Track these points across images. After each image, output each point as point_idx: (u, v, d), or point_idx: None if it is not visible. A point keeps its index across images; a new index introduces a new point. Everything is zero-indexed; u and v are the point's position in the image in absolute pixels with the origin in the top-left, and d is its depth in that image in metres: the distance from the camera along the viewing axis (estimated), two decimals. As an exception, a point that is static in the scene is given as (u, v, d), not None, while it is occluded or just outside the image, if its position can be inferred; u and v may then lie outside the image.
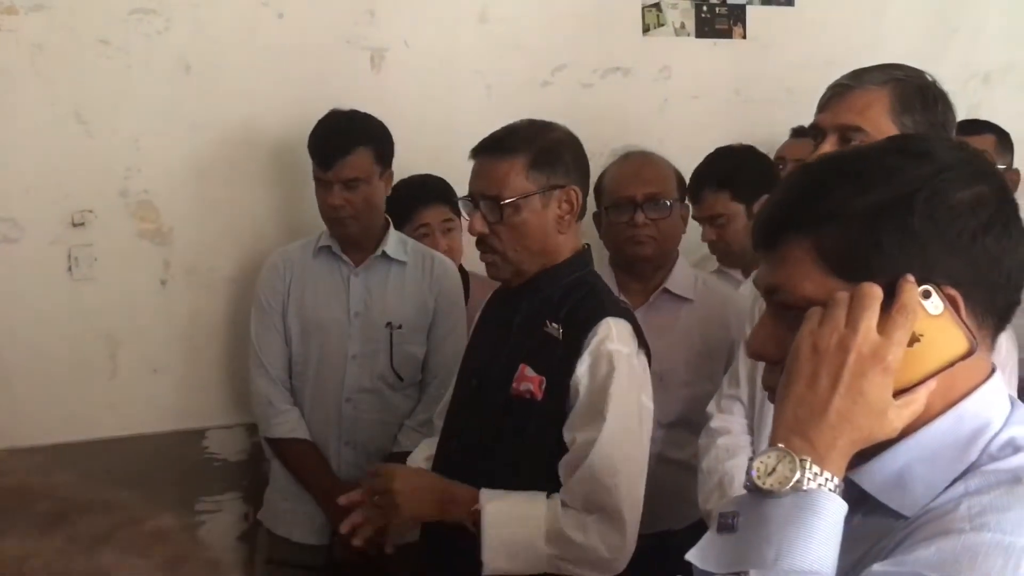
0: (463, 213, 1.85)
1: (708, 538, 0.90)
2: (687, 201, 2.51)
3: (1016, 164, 3.35)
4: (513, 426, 1.76)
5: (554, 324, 1.75)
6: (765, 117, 3.09)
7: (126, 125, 2.58)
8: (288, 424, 2.52)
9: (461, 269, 2.65)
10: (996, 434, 0.90)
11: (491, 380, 1.82)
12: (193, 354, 2.70)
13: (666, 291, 2.31)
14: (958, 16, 3.43)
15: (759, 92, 3.16)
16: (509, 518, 1.70)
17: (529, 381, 1.74)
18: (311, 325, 2.54)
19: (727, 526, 0.87)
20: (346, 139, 2.42)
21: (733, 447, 1.81)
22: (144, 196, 2.62)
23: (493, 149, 1.81)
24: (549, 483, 1.74)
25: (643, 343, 1.79)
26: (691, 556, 0.89)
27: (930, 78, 1.67)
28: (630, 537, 1.70)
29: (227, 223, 2.69)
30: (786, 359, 0.92)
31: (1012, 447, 0.89)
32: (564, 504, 1.70)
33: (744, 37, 3.18)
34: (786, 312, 0.94)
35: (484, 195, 1.78)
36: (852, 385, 0.87)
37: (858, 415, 0.87)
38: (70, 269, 2.56)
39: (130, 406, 2.65)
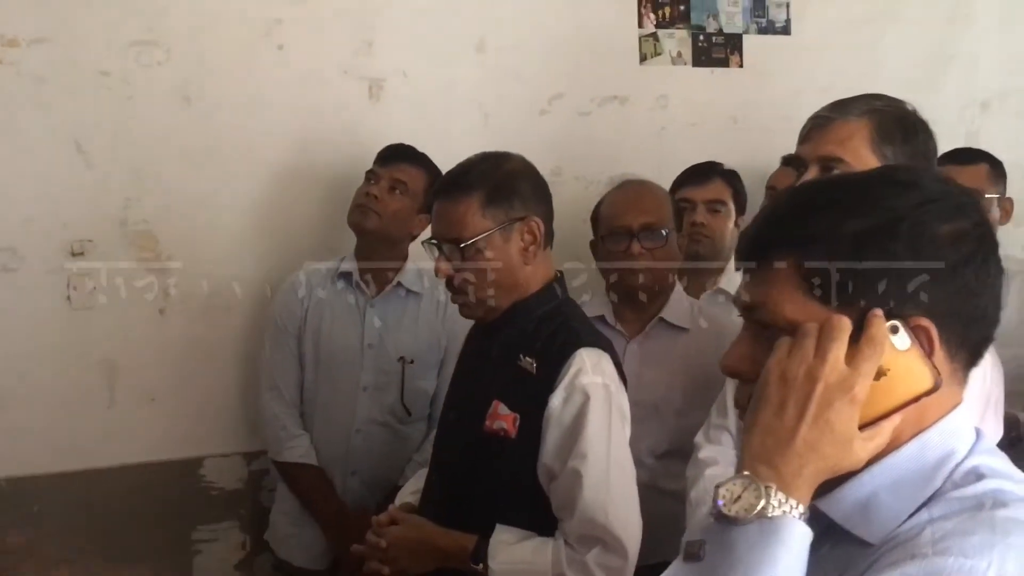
0: (429, 256, 1.84)
1: (675, 567, 0.90)
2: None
3: (1017, 190, 3.37)
4: (487, 463, 1.75)
5: (528, 358, 1.73)
6: (762, 145, 3.10)
7: (126, 155, 2.60)
8: (300, 449, 2.55)
9: None
10: (960, 463, 0.92)
11: (467, 415, 1.81)
12: (191, 383, 2.70)
13: (662, 320, 2.31)
14: (955, 43, 3.45)
15: (756, 120, 3.17)
16: (517, 573, 1.71)
17: (503, 419, 1.73)
18: (324, 353, 2.56)
19: (693, 555, 0.88)
20: (414, 155, 2.62)
21: (721, 478, 1.80)
22: (143, 226, 2.63)
23: (448, 191, 1.81)
24: (526, 518, 1.74)
25: (621, 374, 1.78)
26: None
27: (910, 107, 1.67)
28: (631, 559, 1.70)
29: (226, 252, 2.70)
30: (756, 384, 0.93)
31: (975, 475, 0.91)
32: (567, 543, 1.69)
33: (741, 66, 3.20)
34: (763, 331, 0.95)
35: (445, 238, 1.78)
36: (819, 415, 0.88)
37: (824, 445, 0.88)
38: (69, 298, 2.57)
39: (128, 435, 2.65)
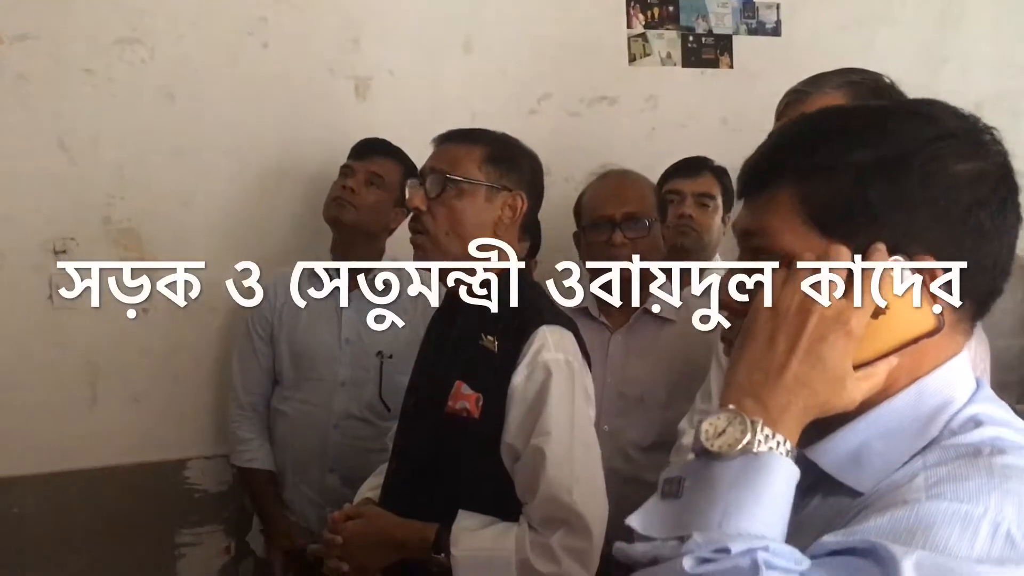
0: (407, 192, 1.81)
1: (651, 503, 0.84)
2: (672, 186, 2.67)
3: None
4: (450, 446, 1.71)
5: (490, 337, 1.70)
6: (752, 146, 2.99)
7: (109, 153, 2.58)
8: (247, 453, 2.55)
9: None
10: (958, 411, 0.87)
11: (428, 399, 1.77)
12: (174, 383, 2.68)
13: (647, 312, 2.28)
14: (948, 46, 3.44)
15: (746, 121, 3.14)
16: (479, 562, 1.65)
17: (465, 399, 1.69)
18: (301, 349, 2.54)
19: (672, 492, 0.82)
20: (388, 148, 2.57)
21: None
22: (127, 224, 2.61)
23: (456, 136, 1.82)
24: (491, 503, 1.69)
25: (585, 354, 1.74)
26: (632, 520, 0.83)
27: (888, 80, 1.65)
28: (597, 540, 1.64)
29: (209, 251, 2.67)
30: (747, 316, 0.87)
31: (974, 422, 0.86)
32: (531, 527, 1.64)
33: (731, 67, 3.19)
34: (758, 260, 0.90)
35: (434, 169, 1.77)
36: (811, 348, 0.82)
37: (815, 380, 0.82)
38: (51, 297, 2.55)
39: (110, 436, 2.62)
